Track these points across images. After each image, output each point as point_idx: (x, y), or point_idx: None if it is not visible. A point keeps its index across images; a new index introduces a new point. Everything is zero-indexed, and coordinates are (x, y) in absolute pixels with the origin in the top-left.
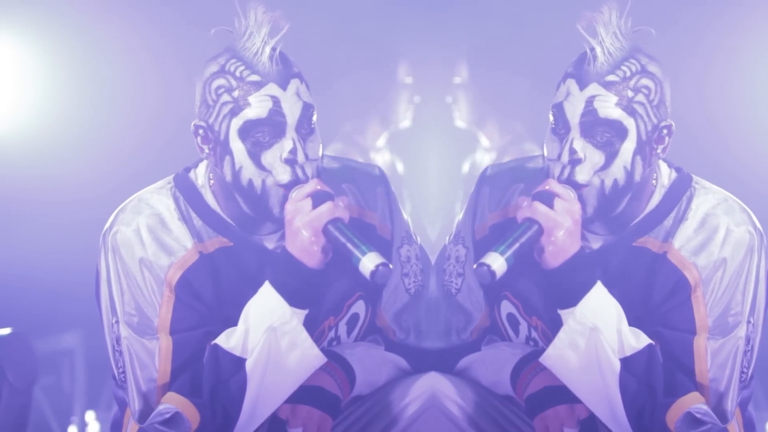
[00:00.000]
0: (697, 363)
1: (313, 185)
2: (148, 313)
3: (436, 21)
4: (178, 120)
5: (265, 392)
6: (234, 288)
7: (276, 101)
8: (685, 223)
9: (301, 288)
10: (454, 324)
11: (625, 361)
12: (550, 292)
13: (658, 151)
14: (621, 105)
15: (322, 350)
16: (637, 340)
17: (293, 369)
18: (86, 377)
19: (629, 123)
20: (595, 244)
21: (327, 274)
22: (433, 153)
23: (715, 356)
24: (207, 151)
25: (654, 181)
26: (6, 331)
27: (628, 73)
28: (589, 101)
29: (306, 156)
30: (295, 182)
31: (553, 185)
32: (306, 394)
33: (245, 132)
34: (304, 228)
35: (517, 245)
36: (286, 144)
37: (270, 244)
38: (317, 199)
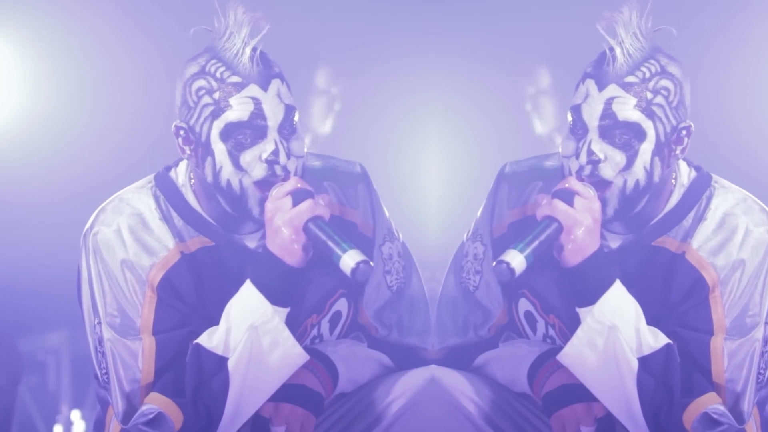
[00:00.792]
0: (714, 363)
1: (293, 183)
2: (130, 313)
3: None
4: (159, 118)
5: (247, 391)
6: (216, 287)
7: (257, 103)
8: (704, 223)
9: (282, 286)
10: (472, 321)
11: (643, 361)
12: (569, 291)
13: (677, 152)
14: (640, 107)
15: (305, 348)
16: (656, 340)
17: (275, 367)
18: (71, 376)
19: (648, 125)
20: (614, 243)
21: (308, 272)
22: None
23: (732, 357)
24: (188, 151)
25: (673, 181)
26: None
27: (648, 75)
28: (608, 103)
29: (289, 155)
30: (272, 179)
31: (573, 183)
32: (289, 393)
33: (226, 134)
34: (284, 226)
35: (536, 243)
36: (268, 146)
37: (251, 243)
38: (297, 197)
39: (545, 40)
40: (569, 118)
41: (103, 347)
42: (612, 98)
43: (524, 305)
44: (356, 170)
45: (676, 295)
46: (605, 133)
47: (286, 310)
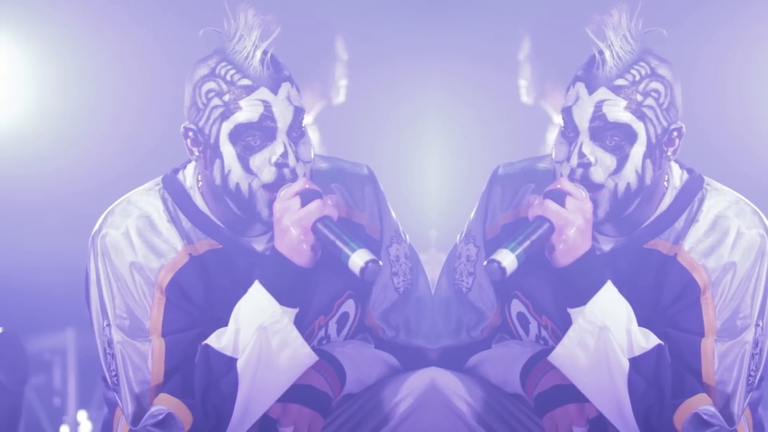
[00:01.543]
0: (704, 365)
1: (301, 184)
2: (139, 315)
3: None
4: (167, 120)
5: (256, 392)
6: (224, 289)
7: (267, 106)
8: (695, 225)
9: (290, 287)
10: (465, 322)
11: (634, 361)
12: (560, 291)
13: (668, 153)
14: (630, 109)
15: (312, 349)
16: (647, 340)
17: (284, 368)
18: (78, 377)
19: (638, 127)
20: (606, 246)
21: (317, 273)
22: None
23: (722, 359)
24: (197, 153)
25: (665, 183)
26: None
27: (638, 77)
28: (598, 106)
29: (297, 158)
30: (281, 182)
31: (564, 184)
32: (297, 393)
33: (236, 136)
34: (292, 226)
35: (527, 243)
36: (277, 148)
37: (259, 246)
38: (306, 197)
39: (549, 43)
40: (561, 120)
41: (112, 349)
42: (602, 101)
43: (517, 306)
44: (363, 172)
45: (667, 297)
46: (596, 136)
47: (295, 310)
